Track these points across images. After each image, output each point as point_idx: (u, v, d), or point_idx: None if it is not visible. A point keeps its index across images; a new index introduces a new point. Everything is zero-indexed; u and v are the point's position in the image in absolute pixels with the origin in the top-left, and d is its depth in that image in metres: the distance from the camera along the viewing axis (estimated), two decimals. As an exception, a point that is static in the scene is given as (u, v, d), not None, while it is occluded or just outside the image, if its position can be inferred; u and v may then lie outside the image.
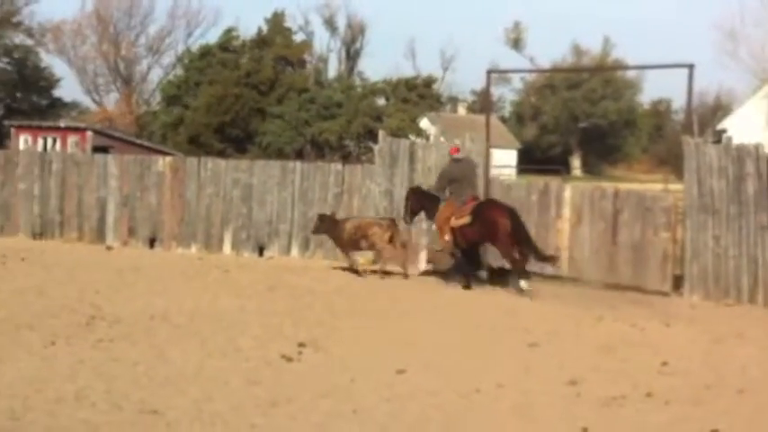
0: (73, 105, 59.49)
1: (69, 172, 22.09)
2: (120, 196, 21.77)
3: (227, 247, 21.09)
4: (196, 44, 61.89)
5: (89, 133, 40.48)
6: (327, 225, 19.10)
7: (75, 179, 22.03)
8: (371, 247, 18.67)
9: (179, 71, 59.11)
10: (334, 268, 18.88)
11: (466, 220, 17.31)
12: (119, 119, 59.03)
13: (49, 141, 39.92)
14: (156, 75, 65.82)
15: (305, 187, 20.92)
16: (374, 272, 18.49)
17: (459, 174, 17.90)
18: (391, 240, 18.40)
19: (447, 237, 17.55)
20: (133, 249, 21.21)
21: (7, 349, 11.09)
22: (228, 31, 57.64)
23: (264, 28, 57.00)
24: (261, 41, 56.03)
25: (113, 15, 65.50)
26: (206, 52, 56.29)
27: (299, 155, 46.09)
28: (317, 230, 19.47)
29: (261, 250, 20.84)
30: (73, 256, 19.78)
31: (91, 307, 13.99)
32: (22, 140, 39.90)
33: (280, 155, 45.03)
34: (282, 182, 21.04)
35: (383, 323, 13.75)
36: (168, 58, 66.03)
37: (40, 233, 22.12)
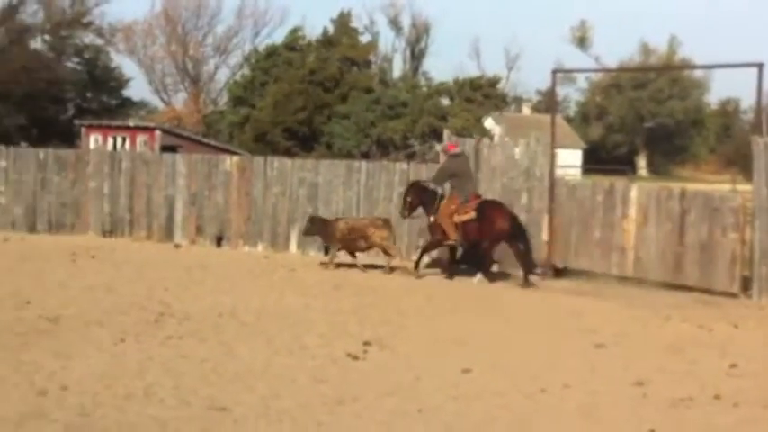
0: (142, 105, 60.25)
1: (138, 171, 22.38)
2: (188, 195, 22.01)
3: (293, 246, 21.23)
4: (263, 44, 62.32)
5: (158, 132, 40.93)
6: (318, 226, 19.42)
7: (145, 178, 22.31)
8: (372, 246, 18.99)
9: (246, 71, 59.51)
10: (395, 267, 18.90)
11: (471, 215, 17.80)
12: (187, 118, 59.62)
13: (119, 141, 40.43)
14: (223, 74, 66.44)
15: (370, 186, 20.99)
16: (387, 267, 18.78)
17: (457, 169, 18.34)
18: (388, 240, 18.85)
19: (454, 234, 17.95)
20: (200, 248, 21.45)
21: (77, 346, 11.28)
22: (294, 30, 57.97)
23: (330, 28, 57.23)
24: (327, 42, 56.27)
25: (182, 16, 66.22)
26: (272, 52, 56.61)
27: (365, 155, 46.17)
28: (307, 232, 19.75)
29: (326, 249, 20.92)
30: (142, 254, 20.04)
31: (160, 304, 14.17)
32: (93, 140, 40.44)
33: (346, 155, 45.19)
34: (348, 181, 21.13)
35: (448, 322, 13.76)
36: (235, 58, 66.62)
37: (109, 231, 22.44)
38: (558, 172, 20.72)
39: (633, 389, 10.01)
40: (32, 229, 22.57)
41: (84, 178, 22.71)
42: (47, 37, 48.46)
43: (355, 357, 11.15)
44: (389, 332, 12.68)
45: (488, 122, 60.94)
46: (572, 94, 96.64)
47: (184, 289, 15.82)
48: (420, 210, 18.75)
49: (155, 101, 66.08)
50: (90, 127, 42.11)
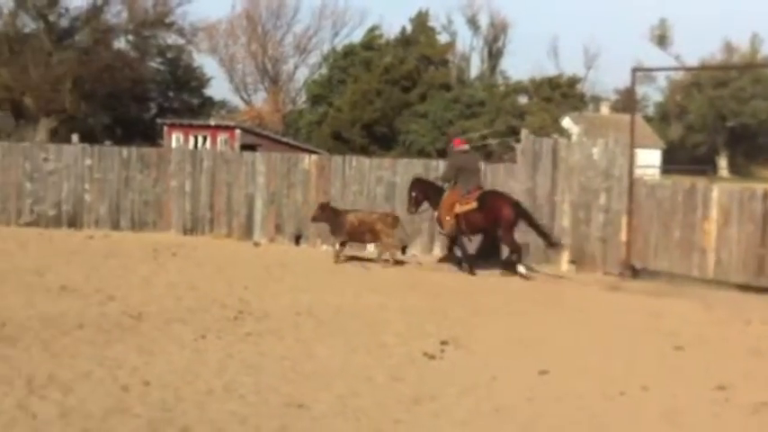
0: (222, 104, 60.84)
1: (219, 169, 22.64)
2: (268, 193, 22.21)
3: (369, 245, 21.29)
4: (341, 44, 62.62)
5: (238, 131, 41.41)
6: (328, 214, 19.83)
7: (225, 176, 22.56)
8: (375, 240, 19.56)
9: (324, 70, 59.85)
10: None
11: (472, 205, 18.45)
12: (266, 117, 60.12)
13: (200, 139, 40.99)
14: (302, 74, 66.88)
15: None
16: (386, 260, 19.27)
17: (465, 164, 19.02)
18: (393, 236, 19.46)
19: (449, 218, 18.61)
20: (279, 246, 21.64)
21: (160, 342, 11.47)
22: (372, 30, 58.17)
23: (408, 27, 57.31)
24: (405, 41, 56.36)
25: (262, 16, 66.82)
26: (349, 51, 56.88)
27: (442, 153, 46.18)
28: (316, 219, 20.17)
29: (403, 248, 20.98)
30: (222, 252, 20.29)
31: (239, 302, 14.35)
32: (174, 138, 41.05)
33: (423, 153, 45.23)
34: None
35: (525, 322, 13.72)
36: (314, 58, 67.02)
37: (190, 229, 22.73)
38: (637, 172, 20.54)
39: (715, 393, 9.89)
40: (116, 226, 22.94)
41: (167, 176, 23.02)
42: (130, 37, 49.25)
43: (432, 357, 11.18)
44: (466, 332, 12.69)
45: (566, 122, 60.47)
46: (651, 94, 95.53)
47: (263, 287, 15.99)
48: (425, 204, 19.52)
49: (235, 100, 66.82)
50: (172, 126, 42.76)
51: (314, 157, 24.06)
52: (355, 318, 13.49)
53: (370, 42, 57.08)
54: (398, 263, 19.44)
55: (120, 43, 49.16)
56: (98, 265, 17.75)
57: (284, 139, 44.64)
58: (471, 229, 18.78)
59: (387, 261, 19.28)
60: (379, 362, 10.90)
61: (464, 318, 13.85)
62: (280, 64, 66.97)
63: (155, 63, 54.56)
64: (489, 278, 18.06)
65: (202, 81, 58.16)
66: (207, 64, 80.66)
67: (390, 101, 51.62)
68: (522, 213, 18.66)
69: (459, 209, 18.60)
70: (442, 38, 61.00)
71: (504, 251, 19.15)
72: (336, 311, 13.89)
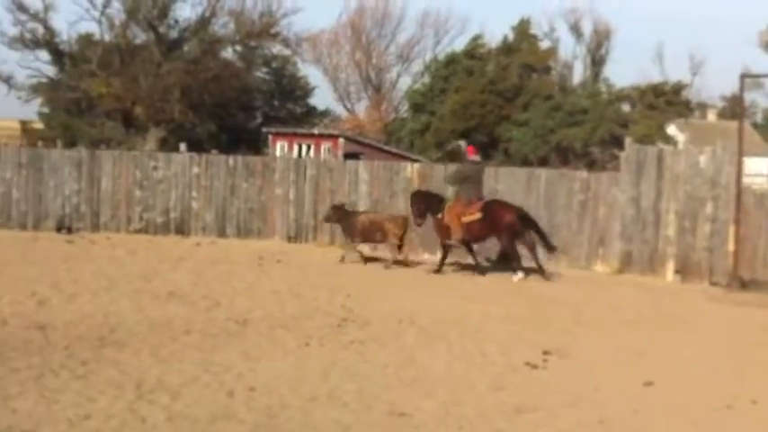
0: (326, 113, 61.26)
1: (323, 177, 22.86)
2: (370, 201, 22.33)
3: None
4: (443, 52, 62.60)
5: (341, 140, 41.69)
6: (339, 215, 20.63)
7: (329, 184, 22.77)
8: (385, 239, 20.13)
9: (426, 79, 59.91)
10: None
11: (476, 216, 18.92)
12: (369, 126, 60.38)
13: (304, 148, 41.37)
14: (404, 83, 67.04)
15: (550, 194, 20.88)
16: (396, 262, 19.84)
17: (472, 173, 19.58)
18: (402, 236, 20.03)
19: (459, 233, 19.08)
20: (381, 253, 21.68)
21: (264, 348, 11.65)
22: (475, 38, 58.02)
23: (510, 35, 57.08)
24: (507, 49, 56.13)
25: (367, 25, 67.19)
26: (451, 60, 56.84)
27: (544, 162, 45.86)
28: (328, 219, 21.06)
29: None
30: (325, 259, 20.46)
31: (342, 309, 14.48)
32: (279, 147, 41.52)
33: (524, 162, 44.97)
34: (527, 188, 21.08)
35: (629, 333, 13.57)
36: (417, 66, 67.13)
37: (294, 236, 22.98)
38: (745, 180, 20.13)
39: (824, 407, 9.67)
40: (222, 233, 23.32)
41: (271, 184, 23.32)
42: (237, 47, 49.95)
43: (534, 366, 11.14)
44: (569, 341, 12.61)
45: (671, 129, 59.45)
46: (760, 100, 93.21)
47: (365, 294, 16.10)
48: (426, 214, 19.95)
49: (339, 109, 67.24)
50: (277, 134, 43.28)
51: (416, 165, 24.14)
52: (457, 326, 13.50)
53: (473, 51, 56.94)
54: (399, 263, 19.91)
55: (227, 54, 49.89)
56: (204, 271, 18.07)
57: (387, 148, 44.80)
58: (474, 239, 19.36)
59: (397, 261, 19.88)
60: (482, 370, 10.91)
61: (567, 327, 13.76)
62: (383, 73, 67.21)
63: (260, 73, 55.19)
64: (590, 288, 17.90)
65: (306, 90, 58.66)
66: (311, 73, 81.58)
67: (493, 110, 51.46)
68: (525, 221, 19.01)
69: (464, 219, 19.05)
70: (545, 45, 60.55)
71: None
72: (438, 319, 13.92)
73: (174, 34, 45.68)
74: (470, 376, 10.60)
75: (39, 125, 51.02)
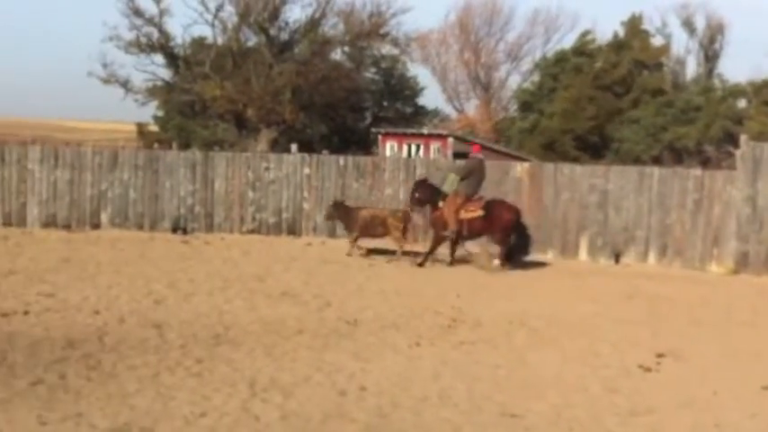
0: (435, 113, 61.33)
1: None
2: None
3: (582, 253, 21.11)
4: (553, 50, 62.12)
5: (450, 139, 41.74)
6: (341, 212, 21.35)
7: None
8: (386, 234, 20.80)
9: (536, 77, 59.54)
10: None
11: (478, 213, 19.57)
12: (478, 125, 60.27)
13: (413, 148, 41.53)
14: (514, 81, 66.76)
15: (662, 193, 20.59)
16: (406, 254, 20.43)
17: (475, 170, 20.17)
18: (405, 230, 20.73)
19: (453, 226, 19.58)
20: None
21: (375, 348, 11.72)
22: (584, 35, 57.44)
23: (620, 31, 56.35)
24: (617, 45, 55.41)
25: (475, 24, 67.09)
26: (560, 58, 56.37)
27: (656, 160, 45.12)
28: (330, 217, 21.85)
29: (617, 257, 20.69)
30: (434, 259, 20.46)
31: (452, 309, 14.49)
32: (389, 147, 41.77)
33: (636, 161, 44.33)
34: (639, 188, 20.82)
35: (746, 335, 13.31)
36: (526, 65, 66.78)
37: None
38: None
39: None
40: (332, 233, 23.49)
41: (381, 184, 23.42)
42: (346, 48, 50.31)
43: (648, 369, 11.00)
44: (683, 344, 12.41)
45: (790, 125, 57.96)
46: None
47: (475, 295, 16.08)
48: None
49: (447, 109, 67.25)
50: (386, 134, 43.52)
51: (525, 164, 24.01)
52: (569, 327, 13.40)
53: (582, 48, 56.37)
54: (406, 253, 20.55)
55: (337, 55, 50.30)
56: (316, 271, 18.26)
57: (496, 147, 44.67)
58: (472, 234, 19.88)
59: (397, 254, 20.44)
60: (594, 372, 10.81)
61: (681, 329, 13.55)
62: (492, 71, 67.04)
63: (369, 73, 55.54)
64: (704, 288, 17.59)
65: (415, 90, 58.81)
66: (420, 73, 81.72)
67: (602, 108, 50.83)
68: (519, 223, 20.12)
69: (464, 215, 19.62)
70: (657, 41, 59.61)
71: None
72: (550, 320, 13.84)
73: (284, 36, 46.21)
74: (582, 378, 10.51)
75: (154, 128, 52.16)
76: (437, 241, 20.16)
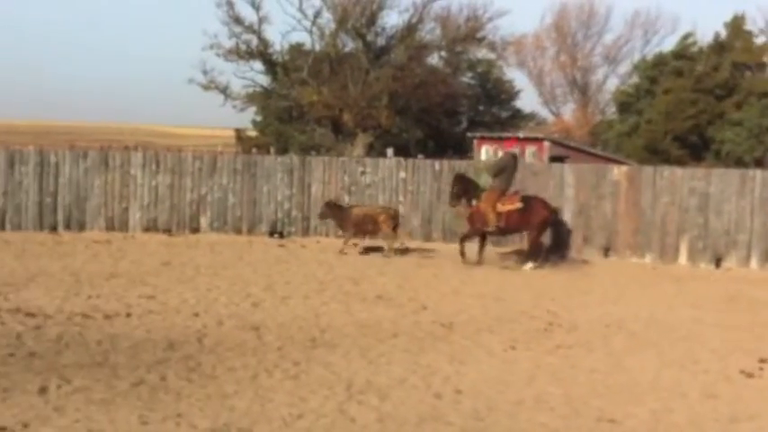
0: (531, 117, 61.02)
1: (528, 181, 22.69)
2: (576, 205, 22.09)
3: (682, 258, 20.78)
4: (652, 52, 61.30)
5: (546, 143, 41.47)
6: (334, 211, 22.10)
7: (533, 188, 22.57)
8: (377, 232, 21.53)
9: (635, 79, 58.81)
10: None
11: (517, 206, 19.99)
12: (575, 129, 59.81)
13: (509, 152, 41.30)
14: (611, 84, 66.06)
15: (765, 196, 20.16)
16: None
17: (509, 165, 20.73)
18: (395, 227, 21.44)
19: (494, 221, 19.96)
20: (587, 257, 21.41)
21: (471, 351, 11.72)
22: (685, 37, 56.56)
23: (722, 33, 55.34)
24: (719, 47, 54.44)
25: (571, 27, 66.60)
26: (658, 61, 55.60)
27: (759, 163, 44.16)
28: (323, 216, 22.47)
29: (718, 261, 20.33)
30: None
31: (547, 313, 14.41)
32: (484, 151, 41.62)
33: (738, 162, 43.50)
34: (741, 191, 20.42)
35: None
36: (624, 67, 66.01)
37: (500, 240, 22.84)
38: None
39: None
40: (428, 238, 23.51)
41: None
42: (443, 53, 50.34)
43: (750, 374, 10.81)
44: (787, 350, 12.15)
45: None
46: None
47: (571, 298, 15.97)
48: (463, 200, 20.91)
49: (544, 112, 66.88)
50: (482, 139, 43.42)
51: (623, 167, 23.71)
52: (668, 332, 13.22)
53: (683, 50, 55.51)
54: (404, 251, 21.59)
55: (433, 59, 50.33)
56: (411, 275, 18.31)
57: (593, 151, 44.22)
58: (509, 228, 20.39)
59: (390, 251, 21.24)
60: (693, 378, 10.66)
61: (784, 335, 13.26)
62: (589, 74, 66.47)
63: (465, 78, 55.48)
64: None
65: (512, 94, 58.55)
66: (516, 77, 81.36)
67: (704, 110, 49.96)
68: (557, 221, 20.90)
69: (501, 207, 20.00)
70: (760, 41, 58.36)
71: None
72: (648, 324, 13.68)
73: (381, 41, 46.38)
74: (681, 383, 10.37)
75: (252, 133, 52.79)
76: (469, 235, 20.53)
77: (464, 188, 20.77)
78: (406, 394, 9.64)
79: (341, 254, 21.10)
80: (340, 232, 22.57)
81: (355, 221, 21.72)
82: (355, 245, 21.90)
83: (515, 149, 21.69)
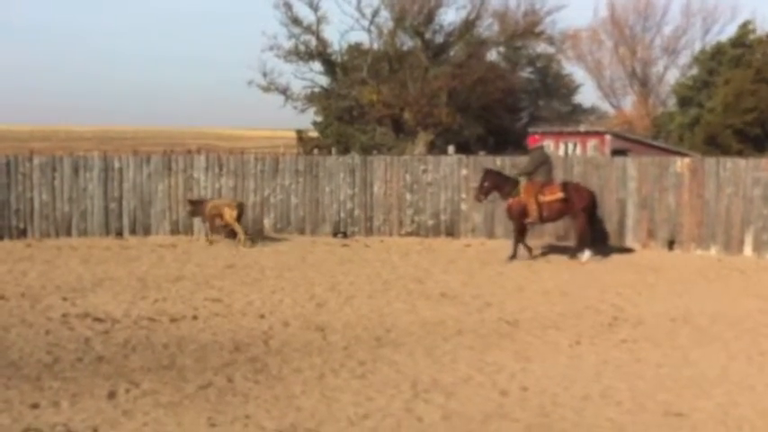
0: (592, 110, 60.69)
1: (590, 175, 22.60)
2: (639, 198, 21.94)
3: (747, 249, 20.54)
4: (712, 42, 60.55)
5: (608, 137, 41.21)
6: (197, 207, 23.01)
7: (596, 181, 22.46)
8: (226, 222, 22.37)
9: (695, 71, 58.16)
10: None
11: (558, 195, 20.06)
12: (636, 122, 59.29)
13: (570, 146, 41.13)
14: (672, 75, 65.36)
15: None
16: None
17: (544, 159, 20.76)
18: (239, 218, 22.28)
19: (535, 213, 20.04)
20: (652, 251, 21.29)
21: (536, 348, 11.72)
22: (744, 25, 55.80)
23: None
24: (778, 35, 53.60)
25: (629, 19, 66.01)
26: (717, 51, 54.93)
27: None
28: (192, 213, 23.26)
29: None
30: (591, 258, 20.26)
31: (613, 308, 14.36)
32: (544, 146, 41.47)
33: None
34: (807, 181, 20.14)
35: None
36: (684, 58, 65.32)
37: (563, 234, 22.71)
38: None
39: None
40: (491, 234, 23.51)
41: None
42: (501, 49, 50.26)
43: (819, 366, 10.69)
44: None
45: None
46: None
47: (637, 293, 15.87)
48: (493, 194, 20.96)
49: (604, 106, 66.41)
50: (543, 134, 43.22)
51: (686, 159, 23.48)
52: (734, 324, 13.11)
53: (742, 39, 54.74)
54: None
55: (492, 55, 50.25)
56: (474, 272, 18.32)
57: (655, 143, 43.84)
58: (552, 217, 20.50)
59: (238, 239, 22.21)
60: (761, 370, 10.57)
61: None
62: (648, 67, 65.79)
63: (525, 73, 55.34)
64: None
65: (571, 88, 58.29)
66: (575, 71, 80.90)
67: (764, 100, 49.22)
68: (595, 205, 20.79)
69: (542, 198, 20.04)
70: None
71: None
72: (713, 318, 13.57)
73: (439, 39, 46.42)
74: (749, 376, 10.30)
75: (313, 134, 53.07)
76: (520, 231, 20.43)
77: (494, 183, 20.74)
78: (472, 392, 9.68)
79: (208, 244, 22.49)
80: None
81: (209, 214, 22.66)
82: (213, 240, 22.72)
83: (540, 143, 21.47)
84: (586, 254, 19.85)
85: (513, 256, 20.01)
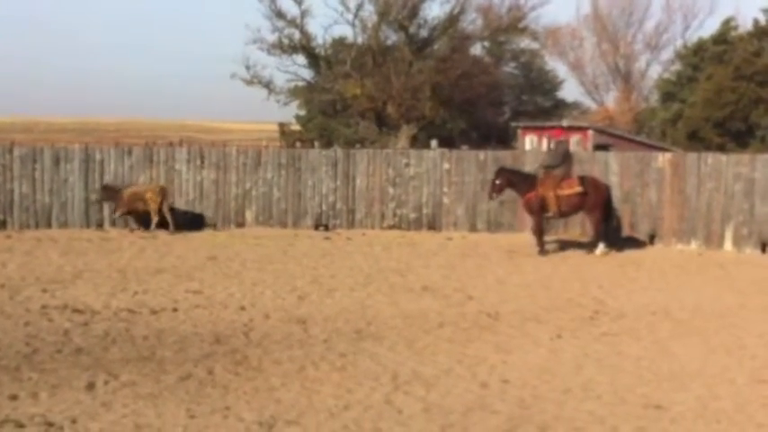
0: (575, 106, 60.75)
1: (573, 170, 22.60)
2: (621, 193, 21.99)
3: (727, 244, 20.62)
4: (693, 37, 60.72)
5: (590, 132, 41.24)
6: (109, 194, 22.99)
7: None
8: (146, 208, 22.50)
9: (677, 66, 58.30)
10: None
11: (576, 189, 20.13)
12: (618, 117, 59.39)
13: (553, 141, 41.12)
14: (654, 71, 65.45)
15: (813, 181, 19.95)
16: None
17: (568, 153, 21.15)
18: (162, 204, 22.44)
19: (555, 206, 20.08)
20: (633, 245, 21.32)
21: (517, 341, 11.74)
22: (726, 22, 55.98)
23: (762, 19, 54.67)
24: (759, 32, 53.78)
25: (611, 14, 66.08)
26: (699, 48, 55.10)
27: (808, 147, 43.63)
28: (102, 199, 23.23)
29: (763, 247, 20.16)
30: (576, 251, 20.28)
31: (594, 301, 14.40)
32: (528, 141, 41.50)
33: (783, 148, 43.03)
34: (788, 176, 20.22)
35: None
36: (667, 54, 65.42)
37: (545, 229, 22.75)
38: None
39: None
40: (473, 228, 23.52)
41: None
42: (485, 43, 50.25)
43: (798, 360, 10.73)
44: (836, 335, 12.05)
45: None
46: None
47: (617, 286, 15.92)
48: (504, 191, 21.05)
49: (587, 101, 66.51)
50: (525, 128, 43.31)
51: (667, 155, 23.56)
52: (713, 318, 13.17)
53: (724, 35, 54.92)
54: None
55: (476, 50, 50.23)
56: (456, 265, 18.33)
57: (637, 138, 43.94)
58: (570, 211, 20.67)
59: (152, 226, 22.48)
60: (740, 363, 10.61)
61: (833, 320, 13.15)
62: (631, 62, 65.91)
63: (508, 68, 55.40)
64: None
65: (554, 84, 58.37)
66: (559, 67, 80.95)
67: (746, 95, 49.44)
68: (610, 200, 20.77)
69: (560, 192, 20.12)
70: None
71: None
72: (694, 311, 13.62)
73: (423, 33, 46.33)
74: (728, 369, 10.34)
75: (296, 127, 52.97)
76: (539, 225, 20.43)
77: (507, 181, 20.68)
78: (452, 384, 9.69)
79: (131, 233, 22.57)
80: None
81: (127, 200, 22.71)
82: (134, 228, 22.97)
83: (561, 138, 21.61)
84: (601, 247, 19.90)
85: (542, 251, 20.03)
